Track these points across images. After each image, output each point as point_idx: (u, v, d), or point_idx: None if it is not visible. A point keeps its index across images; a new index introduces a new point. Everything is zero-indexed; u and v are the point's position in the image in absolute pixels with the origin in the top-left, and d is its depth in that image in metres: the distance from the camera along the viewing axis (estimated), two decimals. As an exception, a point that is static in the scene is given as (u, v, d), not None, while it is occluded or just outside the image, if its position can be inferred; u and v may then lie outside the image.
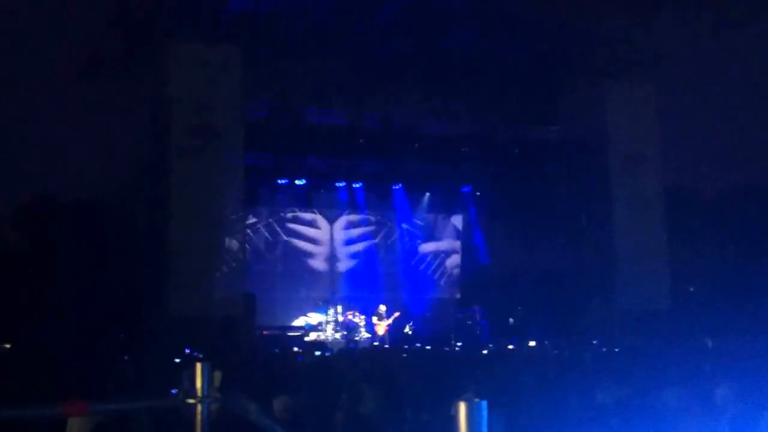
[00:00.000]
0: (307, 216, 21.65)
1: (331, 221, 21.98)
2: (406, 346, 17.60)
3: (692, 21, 16.73)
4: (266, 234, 21.19)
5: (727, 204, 20.52)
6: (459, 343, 19.06)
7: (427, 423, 5.79)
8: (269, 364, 11.38)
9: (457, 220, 22.94)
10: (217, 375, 3.07)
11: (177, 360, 11.81)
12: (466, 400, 2.00)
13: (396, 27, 16.84)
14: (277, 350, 16.18)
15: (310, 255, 21.71)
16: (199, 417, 3.00)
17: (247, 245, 19.37)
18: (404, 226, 22.49)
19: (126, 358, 11.90)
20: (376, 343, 19.12)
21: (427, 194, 22.43)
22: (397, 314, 20.00)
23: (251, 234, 20.49)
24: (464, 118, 20.42)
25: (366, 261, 22.26)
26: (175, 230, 15.69)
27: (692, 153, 19.69)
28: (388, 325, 19.78)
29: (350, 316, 19.68)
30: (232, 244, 16.62)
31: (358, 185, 21.56)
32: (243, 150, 16.63)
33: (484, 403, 2.00)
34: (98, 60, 16.32)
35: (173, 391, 3.08)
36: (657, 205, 19.22)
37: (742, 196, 20.41)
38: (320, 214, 21.82)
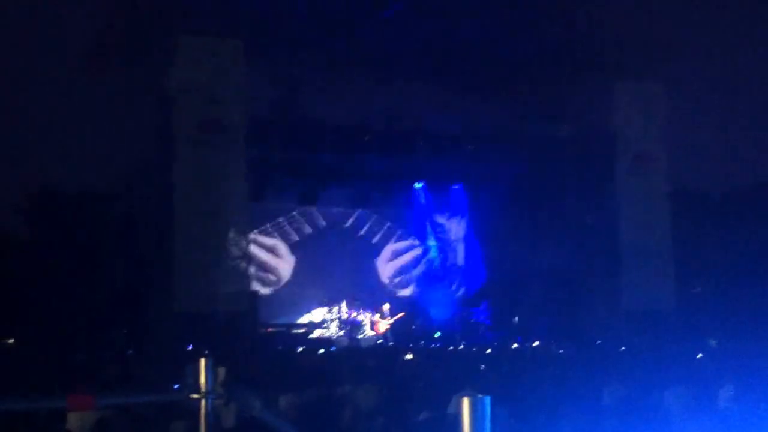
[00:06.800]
0: (309, 212, 21.60)
1: (334, 218, 21.93)
2: (411, 345, 17.60)
3: (702, 18, 16.70)
4: (269, 229, 21.17)
5: (734, 204, 20.45)
6: (463, 342, 19.05)
7: (430, 420, 5.78)
8: (273, 361, 11.40)
9: (463, 218, 22.89)
10: (221, 370, 3.07)
11: (181, 355, 11.83)
12: (469, 396, 2.01)
13: (403, 23, 16.83)
14: (280, 347, 16.22)
15: (314, 252, 21.65)
16: (202, 412, 3.01)
17: (251, 241, 19.37)
18: (408, 224, 22.46)
19: (130, 352, 11.94)
20: (380, 341, 19.14)
21: (433, 192, 22.40)
22: (401, 314, 19.98)
23: (255, 230, 20.47)
24: (471, 116, 20.39)
25: (368, 258, 22.23)
26: (180, 225, 15.71)
27: (700, 152, 19.62)
28: (390, 324, 19.76)
29: (354, 314, 19.69)
30: (238, 240, 16.63)
31: (362, 182, 21.52)
32: (249, 145, 16.63)
33: (488, 399, 2.01)
34: (104, 53, 16.33)
35: (175, 386, 3.09)
36: (663, 204, 19.19)
37: (749, 196, 20.35)
38: (322, 210, 21.76)
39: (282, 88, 18.38)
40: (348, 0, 16.24)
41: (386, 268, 22.14)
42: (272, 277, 21.08)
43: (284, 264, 21.27)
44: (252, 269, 20.08)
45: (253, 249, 20.07)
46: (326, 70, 18.00)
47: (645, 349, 14.46)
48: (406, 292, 22.12)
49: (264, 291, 20.37)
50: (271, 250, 21.20)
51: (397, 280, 22.15)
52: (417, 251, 22.40)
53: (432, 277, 22.42)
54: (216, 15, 15.90)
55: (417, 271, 22.37)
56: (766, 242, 18.75)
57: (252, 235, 19.80)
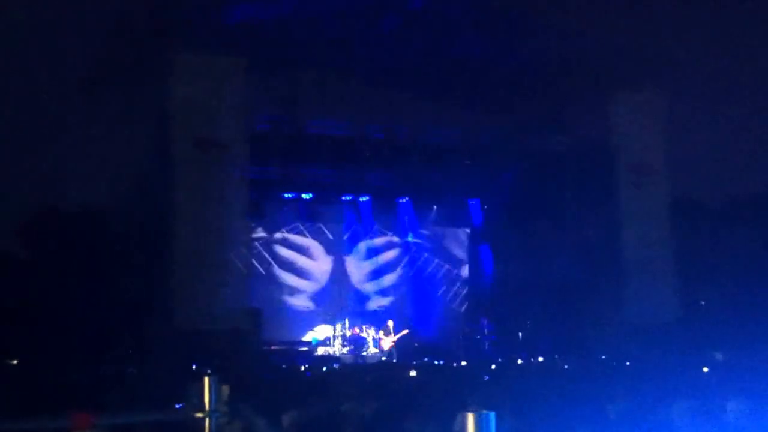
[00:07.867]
0: (313, 230, 21.60)
1: (337, 234, 21.93)
2: (415, 362, 17.53)
3: (701, 30, 16.73)
4: (270, 248, 21.16)
5: (737, 215, 20.42)
6: (467, 358, 18.97)
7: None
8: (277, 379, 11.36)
9: (465, 233, 22.87)
10: (225, 389, 3.06)
11: (184, 374, 11.79)
12: (474, 412, 1.99)
13: (401, 37, 16.89)
14: (284, 366, 16.15)
15: (317, 269, 21.64)
16: (206, 431, 2.99)
17: (252, 259, 19.36)
18: (411, 239, 22.45)
19: (132, 371, 11.89)
20: (383, 359, 19.08)
21: (434, 207, 22.40)
22: (405, 331, 19.92)
23: (256, 247, 20.47)
24: (471, 130, 20.41)
25: (373, 274, 22.19)
26: (180, 243, 15.69)
27: (702, 164, 19.59)
28: (394, 341, 19.70)
29: (357, 331, 19.64)
30: (238, 257, 16.60)
31: (364, 199, 21.54)
32: (247, 162, 16.64)
33: (493, 414, 1.99)
34: (101, 72, 16.38)
35: (178, 405, 3.08)
36: (666, 216, 19.14)
37: (753, 207, 20.32)
38: (326, 227, 21.77)
39: (281, 104, 18.46)
40: (344, 17, 16.31)
41: (344, 249, 21.99)
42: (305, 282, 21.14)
43: (321, 265, 21.33)
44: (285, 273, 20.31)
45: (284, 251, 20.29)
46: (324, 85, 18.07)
47: (650, 362, 14.39)
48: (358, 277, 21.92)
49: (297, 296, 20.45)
50: (316, 237, 21.21)
51: (353, 263, 21.94)
52: (376, 240, 22.14)
53: (432, 292, 22.39)
54: (213, 32, 15.96)
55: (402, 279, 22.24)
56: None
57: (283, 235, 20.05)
